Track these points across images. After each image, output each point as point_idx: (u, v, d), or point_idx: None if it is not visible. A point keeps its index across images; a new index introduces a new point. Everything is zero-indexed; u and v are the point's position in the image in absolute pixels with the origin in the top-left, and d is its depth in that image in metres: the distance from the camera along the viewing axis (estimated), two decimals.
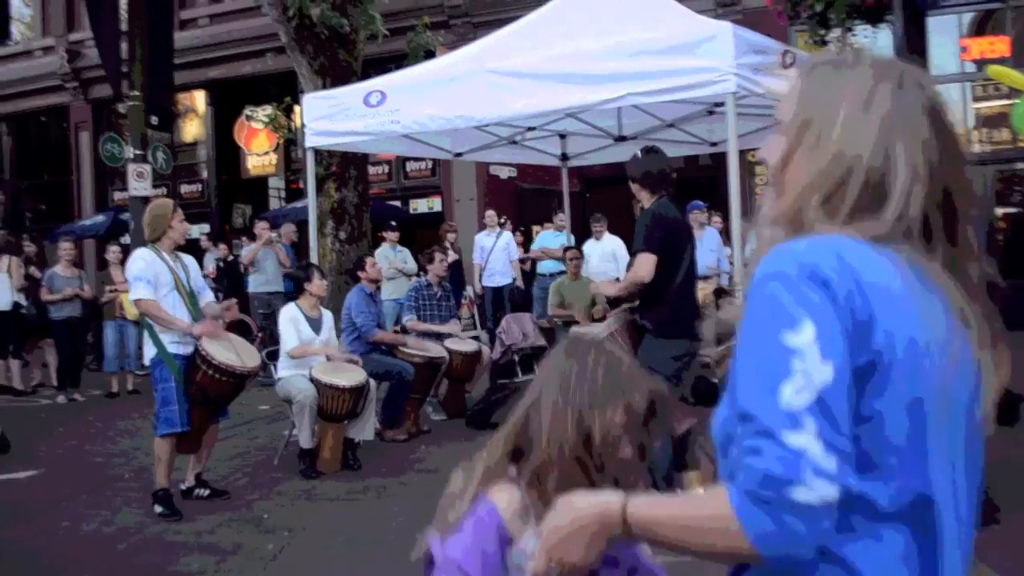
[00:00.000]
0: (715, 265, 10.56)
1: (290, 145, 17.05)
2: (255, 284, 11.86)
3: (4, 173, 21.47)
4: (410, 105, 6.97)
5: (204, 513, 5.80)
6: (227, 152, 18.96)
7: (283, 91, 14.23)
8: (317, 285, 7.19)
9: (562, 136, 9.45)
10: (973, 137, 14.74)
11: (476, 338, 9.97)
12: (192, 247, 7.72)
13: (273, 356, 7.35)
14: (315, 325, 7.08)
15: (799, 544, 1.12)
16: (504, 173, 15.95)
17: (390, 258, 11.13)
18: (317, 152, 8.38)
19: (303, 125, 7.83)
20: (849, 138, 1.26)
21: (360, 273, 8.13)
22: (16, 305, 11.34)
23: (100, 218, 17.76)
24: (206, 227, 17.47)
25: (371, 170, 14.01)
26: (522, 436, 1.82)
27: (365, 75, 8.96)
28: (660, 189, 5.47)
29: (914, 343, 1.18)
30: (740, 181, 5.85)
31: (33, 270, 12.48)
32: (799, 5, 6.85)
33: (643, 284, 5.22)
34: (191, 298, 5.88)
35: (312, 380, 6.70)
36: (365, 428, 7.02)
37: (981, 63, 13.56)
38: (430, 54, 11.54)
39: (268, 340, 10.11)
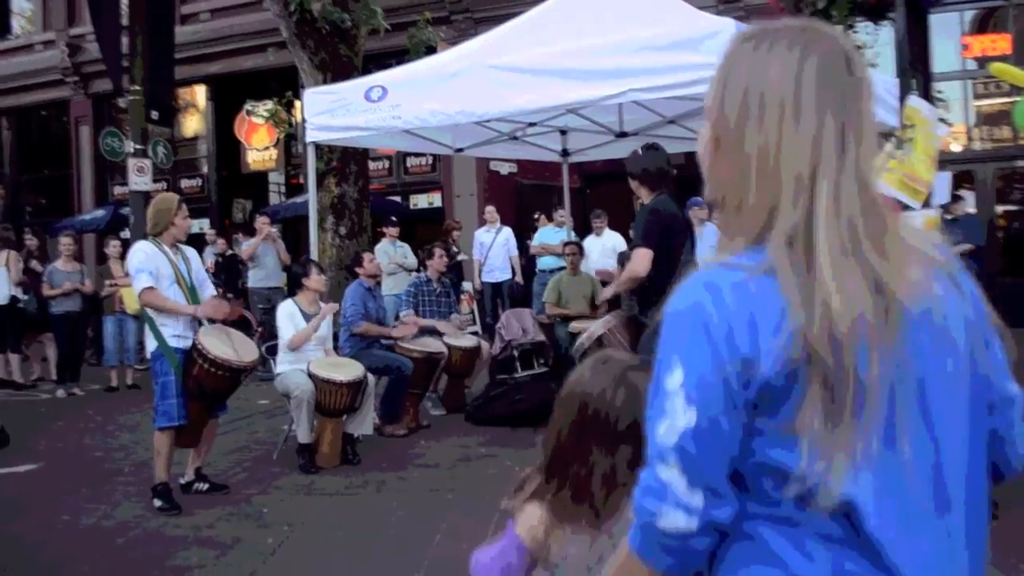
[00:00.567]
0: None
1: (290, 140, 17.02)
2: (255, 279, 11.86)
3: (4, 167, 21.45)
4: (411, 100, 6.97)
5: (203, 507, 5.80)
6: (227, 147, 18.95)
7: (284, 86, 14.24)
8: (315, 280, 7.19)
9: (563, 132, 9.44)
10: (974, 134, 14.74)
11: (476, 333, 9.96)
12: (196, 241, 7.73)
13: (272, 351, 7.36)
14: (311, 320, 7.09)
15: (689, 566, 1.22)
16: (504, 169, 15.95)
17: (390, 253, 11.13)
18: (318, 147, 8.38)
19: (304, 120, 7.83)
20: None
21: (358, 269, 8.13)
22: (13, 299, 11.34)
23: (100, 212, 17.76)
24: (206, 222, 17.46)
25: (371, 165, 14.03)
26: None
27: (366, 70, 8.96)
28: (659, 186, 5.48)
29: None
30: None
31: (35, 264, 12.48)
32: (801, 1, 6.85)
33: (640, 279, 5.23)
34: (192, 292, 5.88)
35: (310, 375, 6.70)
36: (364, 423, 7.03)
37: (983, 60, 13.56)
38: (431, 50, 11.53)
39: (267, 335, 10.11)
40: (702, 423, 1.16)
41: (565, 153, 9.98)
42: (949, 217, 9.56)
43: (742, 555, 1.23)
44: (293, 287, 7.38)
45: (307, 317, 7.06)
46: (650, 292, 5.22)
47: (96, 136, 16.68)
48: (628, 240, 10.30)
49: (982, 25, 14.61)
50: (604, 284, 8.69)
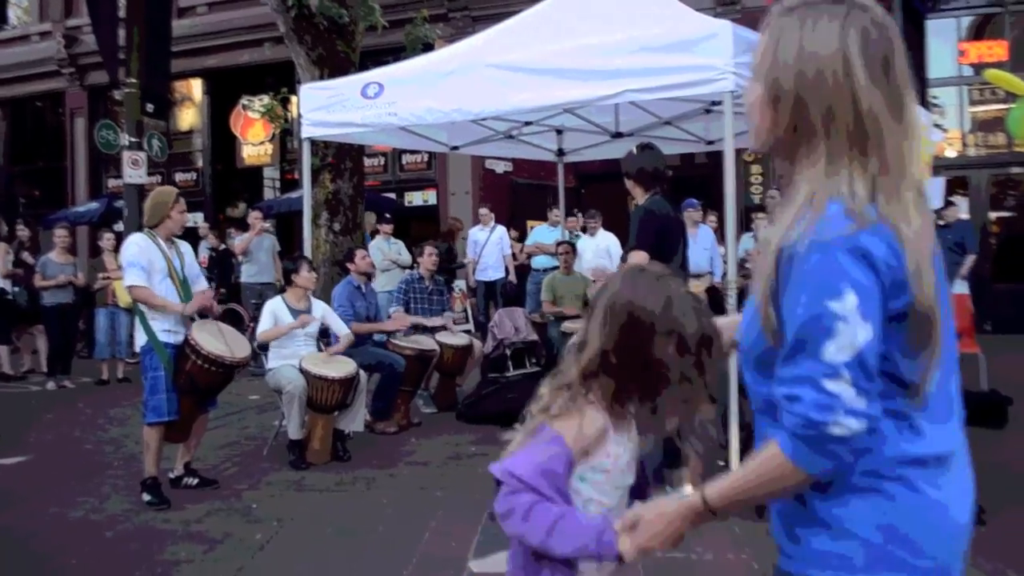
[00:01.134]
0: (708, 264, 10.54)
1: (286, 135, 17.04)
2: (247, 274, 11.86)
3: None
4: (407, 97, 6.96)
5: (193, 502, 5.79)
6: (223, 141, 18.93)
7: (280, 81, 14.19)
8: (305, 277, 7.17)
9: (558, 131, 9.44)
10: (969, 141, 14.78)
11: (468, 332, 9.96)
12: (189, 235, 7.71)
13: (264, 346, 7.34)
14: (300, 316, 7.08)
15: (843, 464, 1.41)
16: (500, 167, 15.95)
17: (384, 250, 11.12)
18: (313, 143, 8.36)
19: (299, 116, 7.81)
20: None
21: (349, 265, 8.12)
22: (2, 291, 11.32)
23: (94, 205, 17.71)
24: (200, 216, 17.43)
25: (367, 162, 13.99)
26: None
27: (363, 67, 8.93)
28: (654, 186, 5.48)
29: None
30: (736, 180, 5.84)
31: (26, 255, 12.45)
32: None
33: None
34: (184, 286, 5.87)
35: (302, 371, 6.69)
36: (355, 420, 7.02)
37: (979, 67, 13.59)
38: (428, 47, 11.51)
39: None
40: (876, 334, 1.38)
41: (561, 152, 9.98)
42: (942, 223, 9.58)
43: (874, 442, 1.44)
44: (286, 282, 7.38)
45: (294, 313, 7.05)
46: None
47: (91, 128, 16.66)
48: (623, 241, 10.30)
49: (979, 32, 14.66)
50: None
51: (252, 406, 9.07)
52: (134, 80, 10.79)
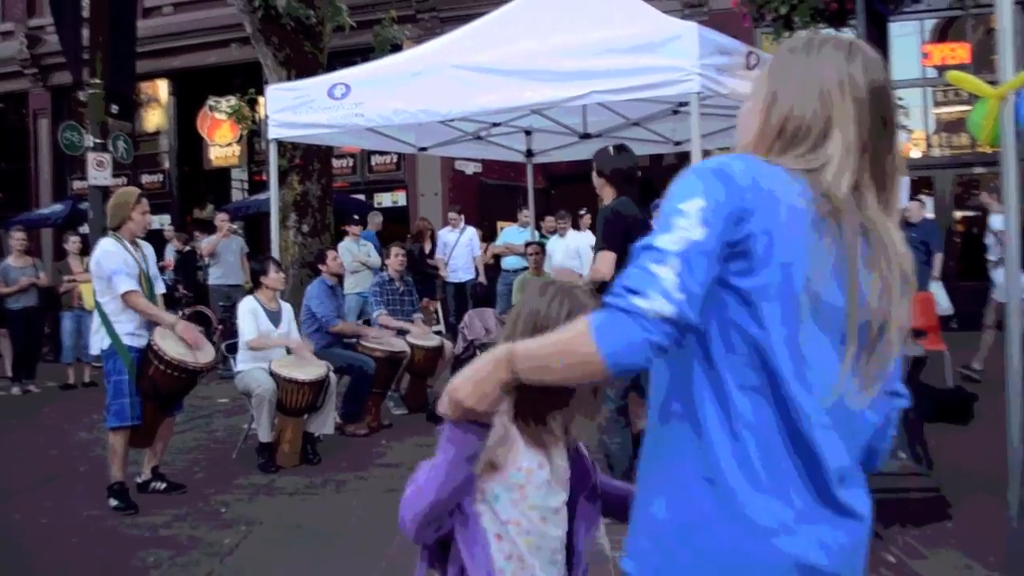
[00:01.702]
0: None
1: (254, 137, 16.90)
2: (215, 276, 11.78)
3: None
4: (374, 98, 6.94)
5: (161, 507, 5.73)
6: (189, 142, 18.76)
7: (247, 82, 14.13)
8: (273, 278, 7.13)
9: (527, 132, 9.45)
10: (933, 141, 14.97)
11: (439, 333, 9.94)
12: (155, 238, 7.63)
13: (232, 349, 7.30)
14: (274, 318, 7.03)
15: (632, 348, 1.34)
16: (469, 168, 15.95)
17: (353, 251, 11.08)
18: (280, 144, 8.31)
19: (266, 117, 7.77)
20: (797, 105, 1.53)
21: (321, 266, 8.09)
22: None
23: (58, 207, 17.50)
24: (167, 218, 17.28)
25: (335, 163, 13.96)
26: None
27: (331, 68, 8.89)
28: (625, 187, 5.50)
29: (788, 264, 1.41)
30: None
31: None
32: (764, 7, 6.91)
33: (604, 281, 5.25)
34: (150, 288, 5.81)
35: (271, 374, 6.65)
36: (325, 422, 6.99)
37: (942, 69, 13.77)
38: (396, 48, 11.50)
39: (227, 333, 10.02)
40: (709, 241, 1.37)
41: (529, 153, 9.99)
42: (908, 221, 9.69)
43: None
44: (255, 285, 7.32)
45: (268, 314, 7.01)
46: None
47: (55, 129, 16.46)
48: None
49: (942, 34, 14.85)
50: None
51: (221, 409, 9.00)
52: (98, 81, 10.68)
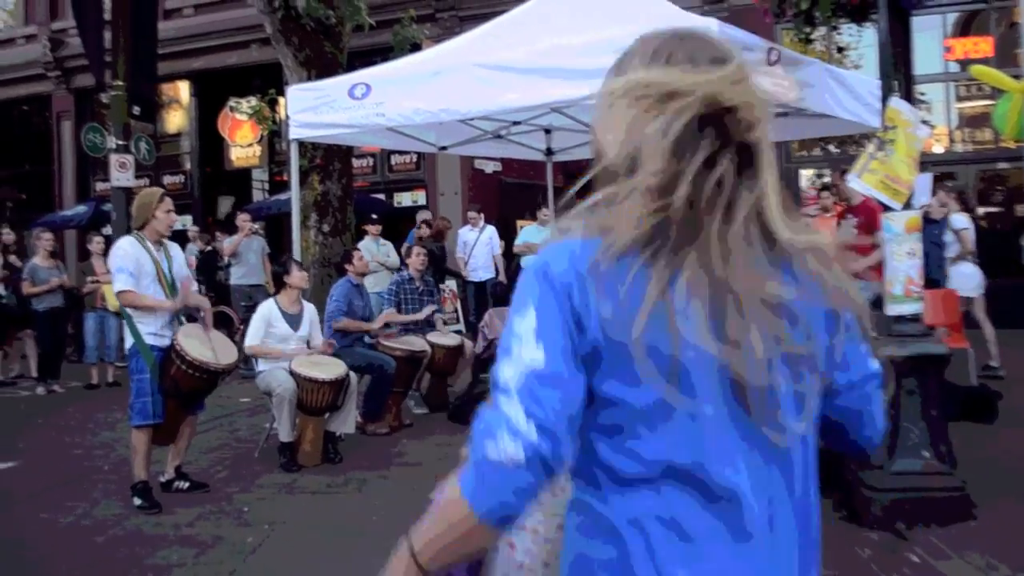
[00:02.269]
0: None
1: (274, 137, 16.99)
2: (236, 276, 11.84)
3: None
4: (395, 98, 6.95)
5: (184, 506, 5.77)
6: (211, 143, 18.86)
7: (268, 82, 14.16)
8: (297, 277, 7.15)
9: (547, 131, 9.44)
10: (955, 137, 14.83)
11: (459, 332, 9.95)
12: (178, 238, 7.65)
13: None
14: (294, 321, 7.05)
15: (504, 503, 1.22)
16: (489, 167, 15.94)
17: (372, 251, 11.10)
18: (301, 144, 8.34)
19: (287, 117, 7.79)
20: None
21: (347, 266, 8.11)
22: None
23: (82, 208, 17.64)
24: (188, 219, 17.37)
25: (355, 163, 13.97)
26: None
27: (351, 67, 8.91)
28: None
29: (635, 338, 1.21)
30: None
31: (13, 259, 12.38)
32: (784, 3, 6.86)
33: None
34: (172, 289, 5.84)
35: (292, 373, 6.67)
36: (346, 421, 7.00)
37: (965, 63, 13.64)
38: (416, 47, 11.51)
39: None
40: (551, 360, 1.23)
41: (549, 152, 9.98)
42: (929, 218, 9.61)
43: None
44: (277, 286, 7.35)
45: (287, 316, 7.03)
46: None
47: (78, 131, 16.57)
48: None
49: (965, 28, 14.70)
50: None
51: (242, 409, 9.05)
52: (121, 83, 10.73)
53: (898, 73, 5.35)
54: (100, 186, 18.76)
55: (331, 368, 6.82)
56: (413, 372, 8.13)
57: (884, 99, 5.33)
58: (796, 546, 1.32)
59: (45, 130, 20.32)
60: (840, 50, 12.02)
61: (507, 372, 1.25)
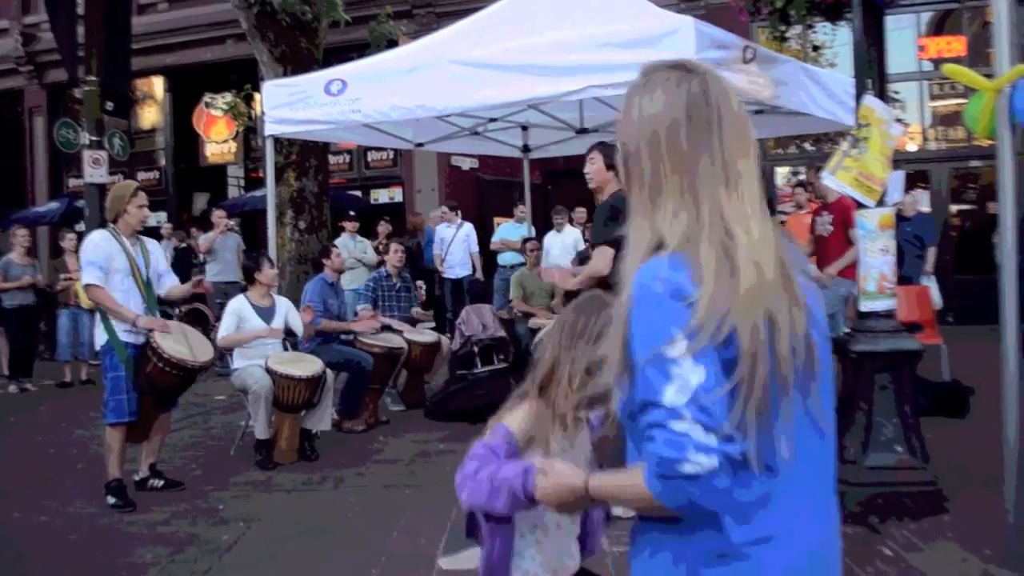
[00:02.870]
0: None
1: (250, 133, 16.88)
2: (211, 273, 11.76)
3: None
4: (371, 94, 6.93)
5: (159, 504, 5.73)
6: (185, 140, 18.72)
7: (243, 78, 14.06)
8: (267, 274, 7.11)
9: (524, 128, 9.45)
10: (929, 135, 14.97)
11: (435, 329, 9.95)
12: (152, 235, 7.57)
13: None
14: (265, 314, 7.02)
15: (698, 502, 1.40)
16: (466, 164, 15.92)
17: (349, 248, 11.07)
18: (277, 140, 8.30)
19: (263, 113, 7.75)
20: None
21: (325, 261, 8.09)
22: None
23: (54, 204, 17.45)
24: (163, 215, 17.25)
25: (332, 159, 13.93)
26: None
27: (327, 64, 8.88)
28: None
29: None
30: None
31: None
32: (759, 1, 6.89)
33: (602, 277, 5.23)
34: (147, 287, 5.79)
35: (268, 370, 6.64)
36: (322, 418, 6.98)
37: (938, 62, 13.76)
38: (393, 43, 11.47)
39: None
40: (710, 374, 1.40)
41: (526, 149, 9.99)
42: (902, 216, 9.70)
43: None
44: (248, 281, 7.31)
45: (258, 310, 7.00)
46: (612, 290, 5.21)
47: (50, 127, 16.39)
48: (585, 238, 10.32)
49: (938, 27, 14.84)
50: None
51: (218, 406, 9.00)
52: (94, 78, 10.63)
53: (872, 71, 5.39)
54: (73, 182, 18.56)
55: (307, 365, 6.80)
56: (390, 369, 8.12)
57: (858, 97, 5.37)
58: None
59: (17, 125, 20.08)
60: (815, 48, 12.09)
61: (671, 394, 1.39)
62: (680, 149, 1.55)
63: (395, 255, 8.66)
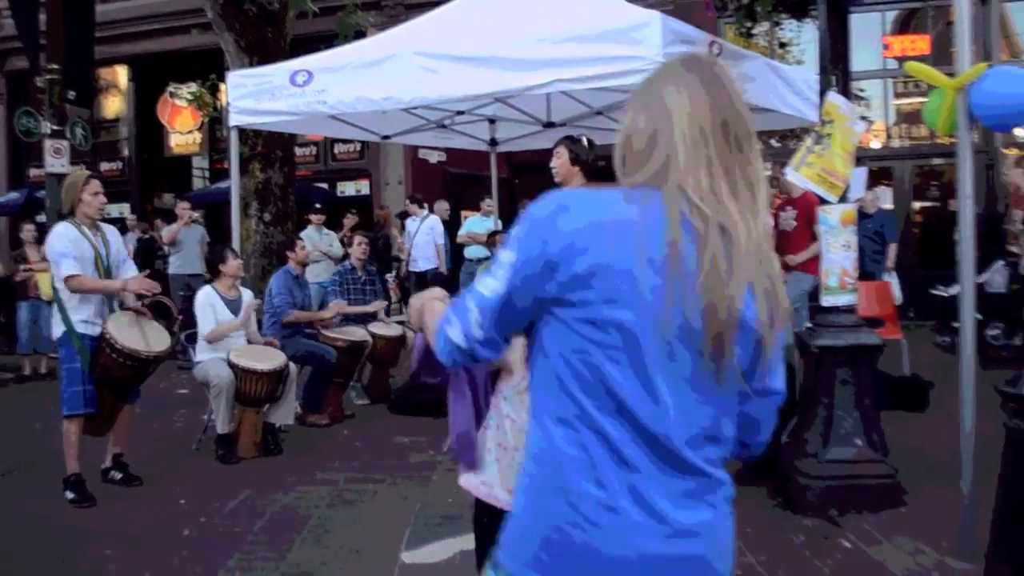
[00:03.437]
0: None
1: (215, 124, 16.72)
2: (175, 265, 11.67)
3: None
4: (337, 86, 6.87)
5: (119, 499, 5.67)
6: (149, 130, 18.53)
7: (209, 68, 13.94)
8: (231, 265, 7.05)
9: (491, 121, 9.42)
10: (893, 132, 15.13)
11: (402, 322, 9.91)
12: (114, 226, 7.45)
13: (192, 339, 7.21)
14: (233, 306, 6.96)
15: (441, 354, 1.71)
16: (433, 157, 15.88)
17: (315, 240, 11.00)
18: (242, 131, 8.21)
19: (228, 103, 7.67)
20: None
21: (289, 254, 8.03)
22: None
23: (14, 195, 17.22)
24: (126, 206, 17.06)
25: (298, 151, 13.83)
26: None
27: (294, 54, 8.78)
28: (591, 178, 5.49)
29: (612, 269, 1.47)
30: None
31: None
32: None
33: None
34: (108, 275, 5.71)
35: (230, 364, 6.58)
36: (286, 413, 6.94)
37: (903, 60, 13.91)
38: (361, 34, 11.41)
39: (187, 322, 9.91)
40: (507, 293, 1.58)
41: (493, 142, 9.96)
42: (864, 211, 9.79)
43: None
44: (212, 274, 7.24)
45: (227, 303, 6.94)
46: None
47: (11, 115, 16.14)
48: None
49: (904, 26, 15.01)
50: None
51: (180, 400, 8.91)
52: (55, 66, 10.50)
53: (836, 68, 5.43)
54: (34, 172, 18.31)
55: (270, 359, 6.75)
56: (354, 363, 8.08)
57: (822, 94, 5.42)
58: None
59: None
60: (782, 45, 12.19)
61: (486, 282, 1.65)
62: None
63: (359, 247, 8.61)
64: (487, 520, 2.59)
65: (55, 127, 10.51)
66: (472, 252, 12.13)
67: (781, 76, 7.37)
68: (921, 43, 14.62)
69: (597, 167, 5.52)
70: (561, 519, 1.50)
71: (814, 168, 5.19)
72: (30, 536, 5.06)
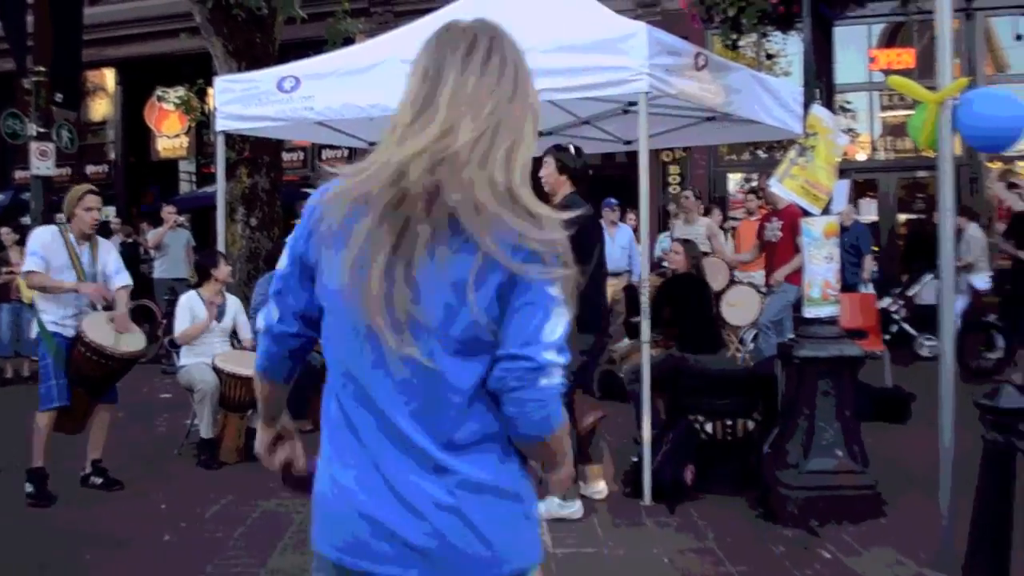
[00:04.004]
0: (627, 262, 10.67)
1: (203, 128, 16.68)
2: (160, 269, 11.65)
3: None
4: (324, 92, 6.88)
5: (100, 502, 5.65)
6: (137, 133, 18.47)
7: (197, 72, 13.90)
8: (223, 271, 7.06)
9: None
10: (878, 145, 15.23)
11: None
12: (101, 229, 7.43)
13: (176, 344, 7.19)
14: (217, 312, 6.96)
15: (262, 357, 1.98)
16: None
17: None
18: (229, 136, 8.20)
19: (215, 108, 7.66)
20: None
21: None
22: None
23: None
24: (112, 210, 16.99)
25: (285, 156, 13.81)
26: None
27: (283, 59, 8.78)
28: (579, 186, 5.51)
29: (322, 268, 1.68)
30: (651, 180, 5.93)
31: None
32: (712, 9, 6.96)
33: None
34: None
35: (215, 368, 6.57)
36: None
37: (888, 73, 14.00)
38: (350, 41, 11.42)
39: (171, 327, 9.89)
40: (289, 269, 1.76)
41: None
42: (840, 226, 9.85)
43: None
44: (200, 278, 7.23)
45: (210, 308, 6.92)
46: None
47: None
48: None
49: (889, 39, 15.11)
50: None
51: (163, 405, 8.87)
52: (42, 69, 10.48)
53: (820, 81, 5.47)
54: (19, 174, 18.24)
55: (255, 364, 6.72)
56: None
57: (806, 106, 5.46)
58: None
59: None
60: (769, 57, 12.24)
61: (280, 263, 1.86)
62: None
63: None
64: None
65: (41, 129, 10.49)
66: None
67: (766, 88, 7.41)
68: (907, 56, 14.72)
69: (583, 174, 5.55)
70: None
71: (798, 180, 5.23)
72: (10, 539, 5.03)
